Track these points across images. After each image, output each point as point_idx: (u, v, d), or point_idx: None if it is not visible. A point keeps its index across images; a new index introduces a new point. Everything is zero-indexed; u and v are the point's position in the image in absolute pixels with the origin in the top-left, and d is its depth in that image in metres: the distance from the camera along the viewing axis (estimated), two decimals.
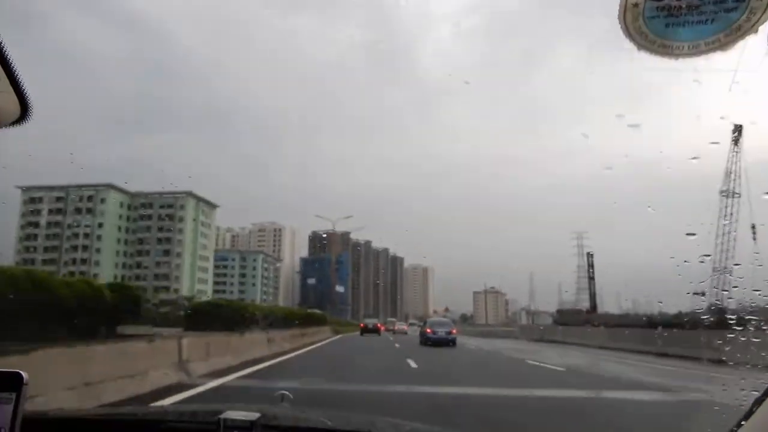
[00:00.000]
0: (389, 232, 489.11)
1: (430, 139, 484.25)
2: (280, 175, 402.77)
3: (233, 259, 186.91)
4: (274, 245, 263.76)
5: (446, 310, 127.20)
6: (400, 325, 77.39)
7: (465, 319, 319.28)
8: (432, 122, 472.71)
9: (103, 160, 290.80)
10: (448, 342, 28.78)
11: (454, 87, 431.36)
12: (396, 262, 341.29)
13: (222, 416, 1.40)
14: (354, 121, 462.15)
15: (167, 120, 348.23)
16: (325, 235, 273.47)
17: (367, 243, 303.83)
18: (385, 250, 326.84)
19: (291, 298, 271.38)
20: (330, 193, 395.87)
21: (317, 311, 67.21)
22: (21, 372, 0.95)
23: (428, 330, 30.28)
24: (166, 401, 7.14)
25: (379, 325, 54.76)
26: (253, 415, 1.40)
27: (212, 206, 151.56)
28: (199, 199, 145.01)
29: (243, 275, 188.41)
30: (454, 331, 30.55)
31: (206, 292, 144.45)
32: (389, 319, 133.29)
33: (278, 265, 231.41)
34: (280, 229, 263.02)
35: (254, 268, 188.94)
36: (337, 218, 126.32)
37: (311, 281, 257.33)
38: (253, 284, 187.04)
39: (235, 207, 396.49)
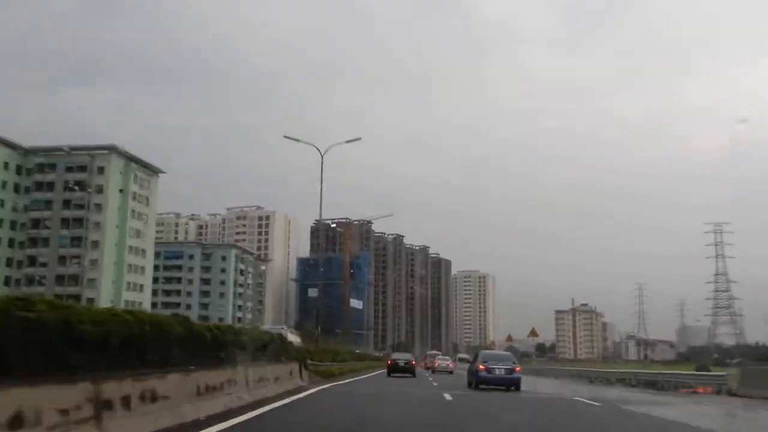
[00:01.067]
0: (429, 226, 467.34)
1: (489, 100, 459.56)
2: (268, 145, 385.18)
3: (191, 257, 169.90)
4: (260, 240, 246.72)
5: (509, 339, 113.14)
6: (443, 360, 76.08)
7: (543, 350, 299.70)
8: (493, 70, 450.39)
9: (22, 117, 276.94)
10: (509, 385, 29.15)
11: (523, 26, 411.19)
12: (440, 267, 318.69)
13: None
14: (380, 70, 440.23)
15: (116, 71, 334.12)
16: (334, 225, 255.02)
17: (398, 238, 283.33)
18: (424, 250, 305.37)
19: (283, 316, 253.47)
20: (343, 173, 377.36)
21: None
22: None
23: (481, 367, 29.83)
24: None
25: (413, 362, 51.95)
26: None
27: (152, 172, 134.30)
28: (131, 159, 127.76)
29: (206, 281, 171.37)
30: (518, 368, 30.33)
31: (141, 303, 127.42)
32: (430, 352, 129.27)
33: (263, 267, 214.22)
34: (267, 216, 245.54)
35: (223, 271, 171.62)
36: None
37: (314, 292, 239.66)
38: (222, 295, 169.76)
39: (208, 187, 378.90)
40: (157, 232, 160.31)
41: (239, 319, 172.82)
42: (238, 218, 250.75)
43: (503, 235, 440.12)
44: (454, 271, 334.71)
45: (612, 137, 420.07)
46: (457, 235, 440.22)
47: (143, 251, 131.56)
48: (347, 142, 58.03)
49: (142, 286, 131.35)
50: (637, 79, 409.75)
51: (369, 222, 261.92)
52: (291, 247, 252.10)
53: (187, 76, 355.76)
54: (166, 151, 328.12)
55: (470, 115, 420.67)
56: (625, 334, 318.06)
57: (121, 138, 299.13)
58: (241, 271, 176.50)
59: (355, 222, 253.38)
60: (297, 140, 57.09)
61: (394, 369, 48.63)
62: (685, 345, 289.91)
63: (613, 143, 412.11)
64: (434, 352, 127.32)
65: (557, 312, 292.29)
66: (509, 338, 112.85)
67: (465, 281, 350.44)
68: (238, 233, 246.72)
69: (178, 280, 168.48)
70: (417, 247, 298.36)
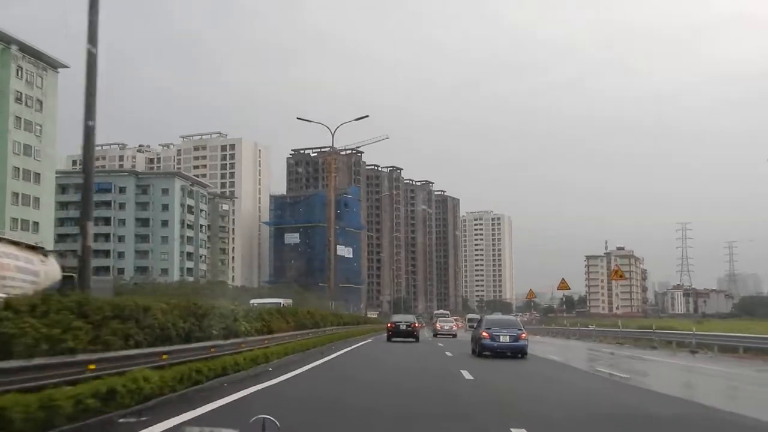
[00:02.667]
0: (431, 160, 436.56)
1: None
2: (234, 64, 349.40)
3: (121, 190, 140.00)
4: (224, 175, 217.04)
5: (531, 296, 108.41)
6: (445, 322, 72.07)
7: (571, 304, 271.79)
8: None
9: None
10: (515, 352, 30.62)
11: None
12: (446, 206, 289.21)
13: None
14: None
15: None
16: (315, 155, 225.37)
17: (395, 171, 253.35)
18: (426, 186, 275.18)
19: (255, 269, 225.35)
20: (326, 96, 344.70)
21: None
22: None
23: (484, 334, 30.97)
24: None
25: (416, 324, 52.18)
26: None
27: (47, 65, 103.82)
28: (11, 43, 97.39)
29: (143, 222, 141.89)
30: (524, 335, 31.26)
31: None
32: (438, 312, 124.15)
33: (225, 206, 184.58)
34: (232, 145, 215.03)
35: (166, 208, 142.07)
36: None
37: (293, 238, 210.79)
38: (164, 239, 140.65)
39: (160, 115, 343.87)
40: (97, 167, 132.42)
41: (189, 271, 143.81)
42: (197, 148, 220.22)
43: (521, 175, 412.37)
44: (462, 212, 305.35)
45: (637, 52, 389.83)
46: (465, 174, 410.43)
47: (37, 176, 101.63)
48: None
49: (37, 224, 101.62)
50: None
51: (359, 151, 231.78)
52: (263, 183, 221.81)
53: None
54: (106, 71, 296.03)
55: (477, 35, 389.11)
56: (664, 284, 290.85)
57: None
58: (190, 209, 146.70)
59: (342, 151, 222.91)
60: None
61: (395, 333, 49.44)
62: (736, 296, 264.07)
63: (637, 61, 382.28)
64: (442, 311, 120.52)
65: (588, 258, 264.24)
66: (531, 294, 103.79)
67: (476, 224, 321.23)
68: (196, 167, 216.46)
69: (106, 220, 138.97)
70: (418, 183, 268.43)
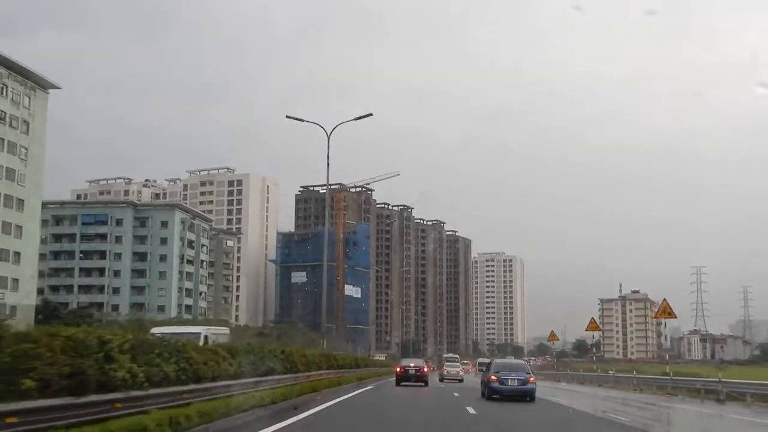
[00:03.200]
0: (441, 200, 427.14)
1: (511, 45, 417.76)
2: (241, 102, 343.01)
3: (118, 223, 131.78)
4: (231, 211, 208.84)
5: (553, 338, 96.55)
6: (451, 367, 71.90)
7: (583, 348, 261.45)
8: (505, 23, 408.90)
9: None
10: (523, 395, 30.50)
11: None
12: (458, 247, 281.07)
13: None
14: (371, 13, 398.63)
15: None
16: (324, 191, 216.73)
17: (406, 210, 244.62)
18: (437, 225, 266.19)
19: (261, 307, 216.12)
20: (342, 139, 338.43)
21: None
22: None
23: (493, 378, 31.10)
24: None
25: (425, 368, 49.97)
26: None
27: (36, 85, 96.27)
28: None
29: (140, 256, 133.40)
30: (531, 379, 31.37)
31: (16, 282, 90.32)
32: (447, 355, 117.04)
33: (229, 243, 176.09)
34: (239, 181, 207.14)
35: (166, 242, 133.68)
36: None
37: (299, 276, 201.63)
38: (162, 275, 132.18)
39: (167, 149, 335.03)
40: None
41: (188, 308, 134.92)
42: (203, 183, 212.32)
43: (531, 212, 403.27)
44: (473, 253, 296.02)
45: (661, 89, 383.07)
46: (475, 211, 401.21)
47: (21, 202, 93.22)
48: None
49: (18, 254, 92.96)
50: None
51: (369, 189, 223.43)
52: (270, 219, 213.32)
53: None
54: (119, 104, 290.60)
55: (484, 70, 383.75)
56: (677, 330, 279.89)
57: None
58: (191, 243, 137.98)
59: (351, 189, 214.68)
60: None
61: (404, 378, 47.42)
62: (752, 342, 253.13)
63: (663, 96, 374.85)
64: (451, 355, 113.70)
65: (603, 301, 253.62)
66: (552, 337, 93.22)
67: (487, 266, 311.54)
68: (202, 203, 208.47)
69: (101, 254, 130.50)
70: (429, 222, 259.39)
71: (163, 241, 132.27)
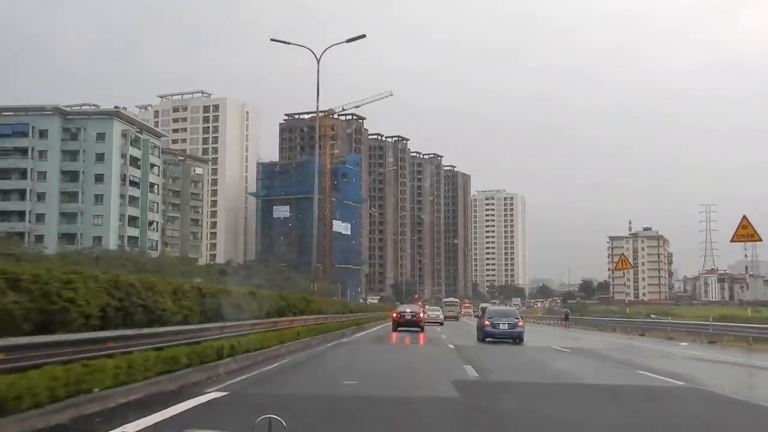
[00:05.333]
0: (437, 133, 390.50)
1: None
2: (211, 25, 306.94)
3: (41, 135, 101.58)
4: (206, 140, 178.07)
5: (626, 266, 70.46)
6: (432, 311, 69.35)
7: (590, 290, 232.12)
8: None
9: None
10: (513, 338, 31.72)
11: None
12: (456, 181, 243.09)
13: None
14: None
15: None
16: (311, 119, 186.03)
17: (401, 142, 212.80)
18: (435, 159, 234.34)
19: (241, 245, 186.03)
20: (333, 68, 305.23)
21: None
22: None
23: (486, 323, 32.32)
24: None
25: (420, 313, 46.49)
26: None
27: None
28: None
29: (72, 176, 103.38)
30: (521, 323, 32.61)
31: None
32: (447, 300, 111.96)
33: (198, 170, 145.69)
34: (216, 106, 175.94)
35: (102, 158, 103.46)
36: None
37: (282, 211, 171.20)
38: (96, 199, 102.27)
39: (137, 74, 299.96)
40: None
41: (132, 241, 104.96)
42: (176, 109, 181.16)
43: (532, 148, 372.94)
44: (474, 190, 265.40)
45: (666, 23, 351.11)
46: (473, 145, 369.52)
47: None
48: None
49: None
50: None
51: (360, 117, 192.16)
52: (250, 149, 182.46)
53: None
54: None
55: None
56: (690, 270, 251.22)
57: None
58: (136, 162, 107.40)
59: (341, 116, 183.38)
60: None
61: (400, 323, 45.01)
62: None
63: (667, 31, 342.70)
64: (451, 299, 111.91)
65: (612, 239, 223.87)
66: (625, 264, 69.60)
67: (487, 203, 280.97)
68: (176, 130, 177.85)
69: (21, 173, 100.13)
70: (425, 156, 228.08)
71: (100, 157, 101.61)
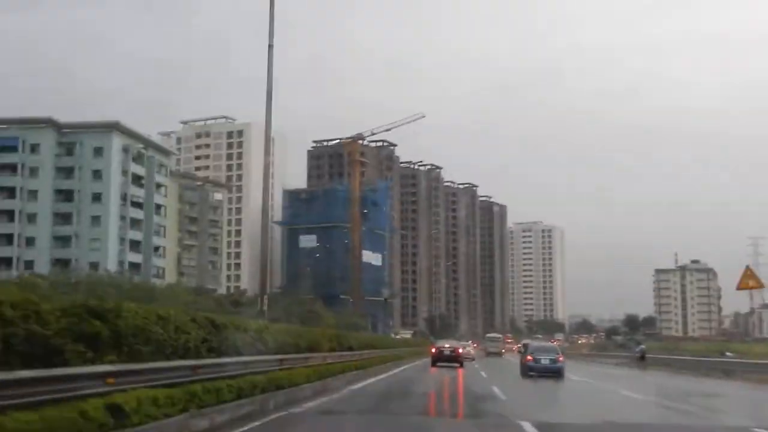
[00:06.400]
0: (471, 162, 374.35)
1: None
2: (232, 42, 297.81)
3: (33, 149, 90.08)
4: (230, 167, 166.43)
5: (755, 285, 42.23)
6: (492, 345, 74.12)
7: (634, 324, 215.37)
8: None
9: None
10: (553, 372, 31.50)
11: None
12: (492, 212, 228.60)
13: None
14: None
15: None
16: (339, 141, 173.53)
17: (434, 171, 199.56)
18: (470, 189, 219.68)
19: (260, 277, 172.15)
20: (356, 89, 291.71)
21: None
22: None
23: (529, 358, 32.59)
24: None
25: (459, 349, 45.80)
26: None
27: None
28: None
29: (66, 196, 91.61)
30: (561, 358, 32.95)
31: None
32: (490, 335, 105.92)
33: (218, 196, 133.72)
34: (240, 131, 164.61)
35: (99, 176, 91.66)
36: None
37: (308, 240, 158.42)
38: (93, 221, 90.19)
39: (153, 102, 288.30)
40: None
41: (134, 267, 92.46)
42: (199, 135, 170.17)
43: (570, 179, 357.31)
44: (509, 223, 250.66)
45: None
46: (509, 176, 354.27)
47: None
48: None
49: None
50: None
51: (391, 144, 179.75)
52: (276, 176, 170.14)
53: None
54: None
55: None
56: (755, 303, 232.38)
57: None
58: (140, 180, 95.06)
59: (371, 143, 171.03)
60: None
61: (439, 358, 43.49)
62: None
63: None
64: (495, 335, 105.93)
65: (658, 272, 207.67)
66: (752, 281, 47.80)
67: (524, 236, 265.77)
68: (198, 157, 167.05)
69: (10, 192, 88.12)
70: (460, 186, 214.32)
71: (97, 174, 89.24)
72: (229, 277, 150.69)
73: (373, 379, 27.60)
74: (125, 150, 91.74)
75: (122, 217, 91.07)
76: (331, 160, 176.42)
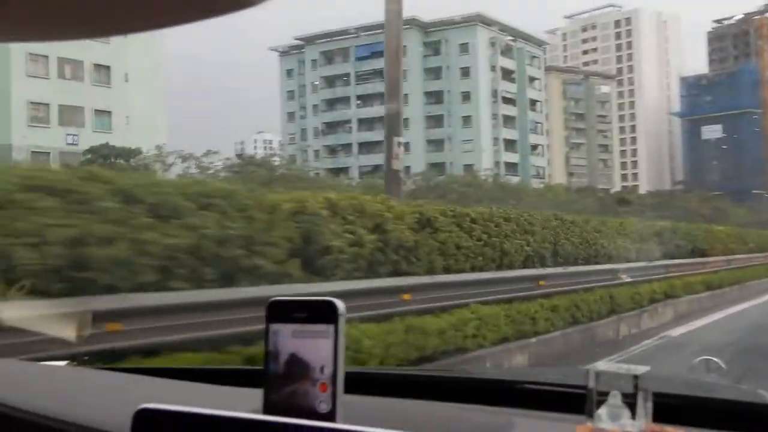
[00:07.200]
0: None
1: None
2: None
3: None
4: (619, 59, 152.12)
5: None
6: None
7: None
8: None
9: None
10: None
11: None
12: None
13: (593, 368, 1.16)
14: None
15: None
16: (743, 17, 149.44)
17: None
18: None
19: (666, 172, 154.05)
20: None
21: None
22: (335, 301, 1.02)
23: None
24: None
25: None
26: (638, 370, 1.12)
27: None
28: None
29: (435, 98, 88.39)
30: None
31: None
32: None
33: (604, 89, 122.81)
34: (627, 19, 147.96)
35: (467, 73, 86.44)
36: None
37: (712, 131, 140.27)
38: (464, 122, 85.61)
39: None
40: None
41: (510, 167, 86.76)
42: (584, 29, 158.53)
43: None
44: None
45: None
46: None
47: None
48: None
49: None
50: None
51: None
52: (671, 64, 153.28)
53: None
54: None
55: None
56: None
57: None
58: (510, 75, 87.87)
59: None
60: None
61: None
62: None
63: None
64: None
65: None
66: None
67: None
68: (585, 51, 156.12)
69: (381, 97, 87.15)
70: None
71: (465, 72, 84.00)
72: (625, 177, 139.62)
73: None
74: (492, 43, 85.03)
75: (494, 116, 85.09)
76: (736, 40, 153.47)
